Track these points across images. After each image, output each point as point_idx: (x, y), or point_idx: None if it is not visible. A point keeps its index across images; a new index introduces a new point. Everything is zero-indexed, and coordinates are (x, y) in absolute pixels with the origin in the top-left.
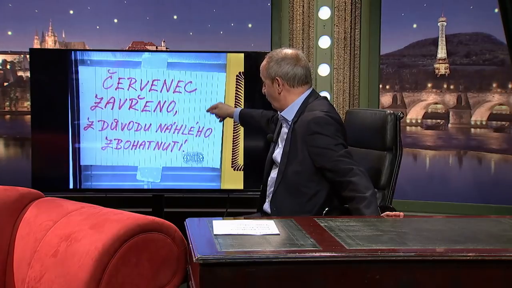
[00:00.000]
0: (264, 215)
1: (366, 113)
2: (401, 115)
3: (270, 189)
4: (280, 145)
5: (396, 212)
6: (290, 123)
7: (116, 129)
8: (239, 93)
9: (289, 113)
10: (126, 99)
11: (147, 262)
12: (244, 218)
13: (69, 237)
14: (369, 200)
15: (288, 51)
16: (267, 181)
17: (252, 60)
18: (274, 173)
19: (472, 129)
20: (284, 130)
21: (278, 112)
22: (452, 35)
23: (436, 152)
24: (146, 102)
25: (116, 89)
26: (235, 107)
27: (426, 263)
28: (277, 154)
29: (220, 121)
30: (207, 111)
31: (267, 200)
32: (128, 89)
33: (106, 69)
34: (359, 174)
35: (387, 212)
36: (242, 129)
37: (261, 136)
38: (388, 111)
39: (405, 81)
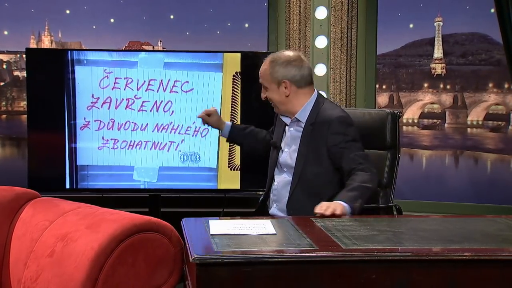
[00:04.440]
0: None
1: (363, 113)
2: (399, 114)
3: (280, 193)
4: (286, 149)
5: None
6: (303, 124)
7: (112, 129)
8: (235, 93)
9: (302, 114)
10: (123, 99)
11: (143, 262)
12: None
13: (65, 237)
14: (354, 187)
15: (289, 53)
16: (271, 186)
17: (249, 60)
18: (281, 178)
19: (469, 129)
20: (293, 133)
21: (279, 115)
22: (449, 35)
23: (432, 152)
24: (143, 102)
25: (112, 89)
26: (232, 107)
27: (423, 262)
28: (286, 158)
29: (204, 124)
30: (199, 116)
31: (275, 204)
32: (124, 89)
33: (102, 69)
34: (365, 171)
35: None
36: None
37: None
38: (387, 111)
39: (402, 81)
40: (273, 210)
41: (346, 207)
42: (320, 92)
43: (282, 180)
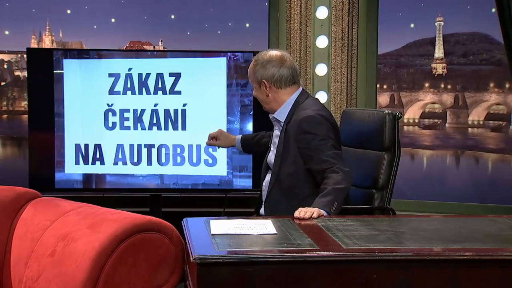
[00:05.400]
0: None
1: (363, 113)
2: (399, 115)
3: (264, 194)
4: (272, 148)
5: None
6: (282, 124)
7: (114, 129)
8: (238, 93)
9: (281, 114)
10: (125, 99)
11: (144, 262)
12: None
13: (66, 237)
14: (328, 191)
15: (273, 52)
16: (263, 185)
17: None
18: (267, 178)
19: (469, 129)
20: (276, 132)
21: (270, 115)
22: (449, 35)
23: (433, 151)
24: (144, 102)
25: (114, 89)
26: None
27: (423, 262)
28: (270, 157)
29: (217, 147)
30: (208, 144)
31: (263, 204)
32: (126, 89)
33: (104, 69)
34: (336, 172)
35: (300, 208)
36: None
37: None
38: (386, 111)
39: (403, 80)
40: (262, 210)
41: (323, 213)
42: (321, 92)
43: (267, 180)
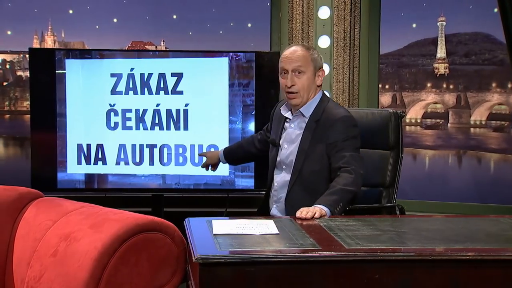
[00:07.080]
0: None
1: (367, 113)
2: (402, 114)
3: (279, 194)
4: (286, 146)
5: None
6: (307, 120)
7: (116, 129)
8: (240, 93)
9: (307, 109)
10: (127, 99)
11: (146, 261)
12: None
13: (69, 236)
14: (335, 190)
15: None
16: (272, 185)
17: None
18: (280, 177)
19: (472, 129)
20: (294, 128)
21: (281, 110)
22: (452, 35)
23: (435, 151)
24: (146, 102)
25: (116, 89)
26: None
27: (425, 262)
28: (285, 155)
29: (213, 170)
30: (202, 166)
31: (275, 205)
32: (128, 89)
33: (106, 68)
34: (350, 173)
35: (302, 208)
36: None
37: None
38: (390, 110)
39: (405, 80)
40: (273, 211)
41: (327, 211)
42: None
43: (281, 180)
